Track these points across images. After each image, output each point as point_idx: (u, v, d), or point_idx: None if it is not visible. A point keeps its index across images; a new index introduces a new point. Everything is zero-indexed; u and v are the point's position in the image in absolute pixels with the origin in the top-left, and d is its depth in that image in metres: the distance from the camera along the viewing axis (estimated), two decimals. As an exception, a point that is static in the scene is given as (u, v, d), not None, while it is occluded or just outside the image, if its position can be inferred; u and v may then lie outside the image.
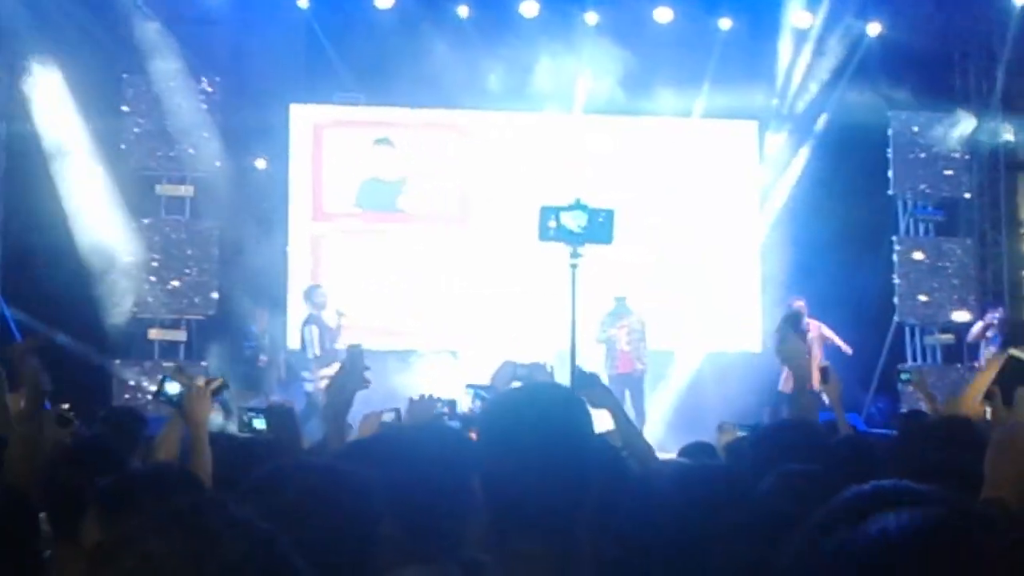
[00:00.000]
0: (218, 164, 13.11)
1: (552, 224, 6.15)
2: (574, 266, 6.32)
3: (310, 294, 12.35)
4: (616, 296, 12.88)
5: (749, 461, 3.51)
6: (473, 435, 4.82)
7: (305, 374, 12.10)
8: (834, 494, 1.35)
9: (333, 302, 12.35)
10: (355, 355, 3.94)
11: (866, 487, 1.38)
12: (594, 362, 12.37)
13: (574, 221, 6.12)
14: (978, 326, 13.61)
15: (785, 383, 11.39)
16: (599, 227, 6.18)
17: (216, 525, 1.37)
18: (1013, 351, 5.14)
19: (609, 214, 6.20)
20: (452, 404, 5.05)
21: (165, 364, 12.22)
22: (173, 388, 4.50)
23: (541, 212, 6.18)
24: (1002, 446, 3.00)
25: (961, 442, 3.28)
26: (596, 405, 4.11)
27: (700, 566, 2.53)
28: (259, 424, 5.24)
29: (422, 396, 4.92)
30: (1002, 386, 4.73)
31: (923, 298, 14.39)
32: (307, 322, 12.12)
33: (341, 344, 11.50)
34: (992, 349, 12.91)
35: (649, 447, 4.19)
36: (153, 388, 9.91)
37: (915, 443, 3.37)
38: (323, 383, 10.43)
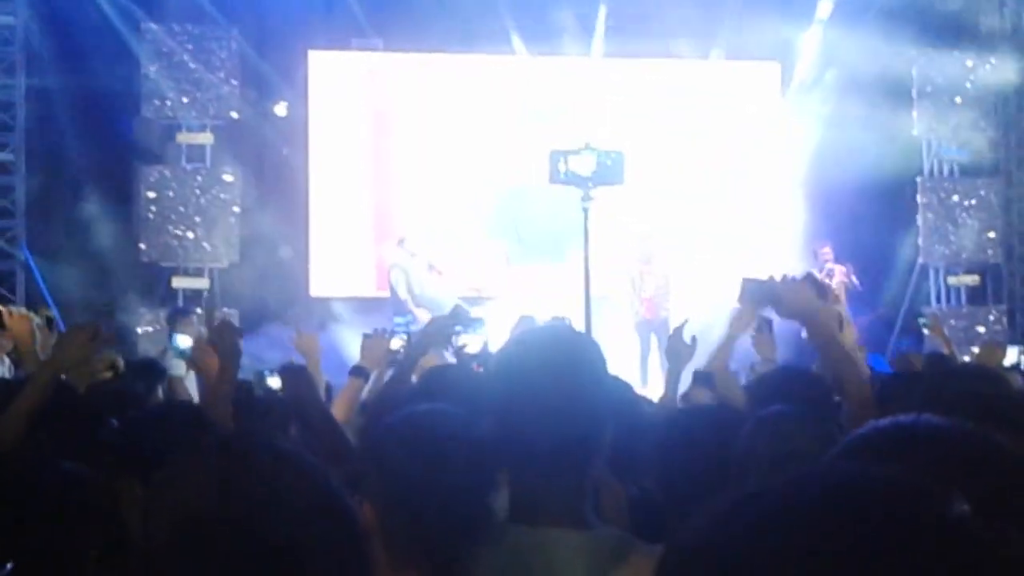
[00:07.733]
0: (234, 114, 13.15)
1: (562, 167, 6.13)
2: (586, 209, 6.31)
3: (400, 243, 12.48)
4: (641, 237, 12.69)
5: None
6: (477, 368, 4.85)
7: (397, 319, 12.10)
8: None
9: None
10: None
11: (884, 422, 1.35)
12: (620, 307, 12.36)
13: (583, 164, 6.09)
14: None
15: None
16: (609, 169, 6.16)
17: (262, 456, 1.34)
18: None
19: (619, 156, 6.18)
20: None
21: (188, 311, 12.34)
22: (184, 342, 4.55)
23: (551, 156, 6.17)
24: None
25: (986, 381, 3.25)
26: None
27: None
28: (273, 382, 5.32)
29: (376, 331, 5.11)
30: None
31: (947, 238, 14.25)
32: (391, 268, 12.25)
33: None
34: None
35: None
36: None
37: (936, 380, 3.32)
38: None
